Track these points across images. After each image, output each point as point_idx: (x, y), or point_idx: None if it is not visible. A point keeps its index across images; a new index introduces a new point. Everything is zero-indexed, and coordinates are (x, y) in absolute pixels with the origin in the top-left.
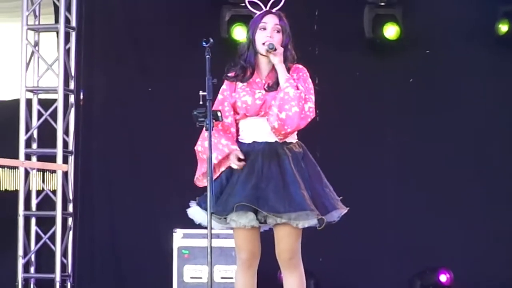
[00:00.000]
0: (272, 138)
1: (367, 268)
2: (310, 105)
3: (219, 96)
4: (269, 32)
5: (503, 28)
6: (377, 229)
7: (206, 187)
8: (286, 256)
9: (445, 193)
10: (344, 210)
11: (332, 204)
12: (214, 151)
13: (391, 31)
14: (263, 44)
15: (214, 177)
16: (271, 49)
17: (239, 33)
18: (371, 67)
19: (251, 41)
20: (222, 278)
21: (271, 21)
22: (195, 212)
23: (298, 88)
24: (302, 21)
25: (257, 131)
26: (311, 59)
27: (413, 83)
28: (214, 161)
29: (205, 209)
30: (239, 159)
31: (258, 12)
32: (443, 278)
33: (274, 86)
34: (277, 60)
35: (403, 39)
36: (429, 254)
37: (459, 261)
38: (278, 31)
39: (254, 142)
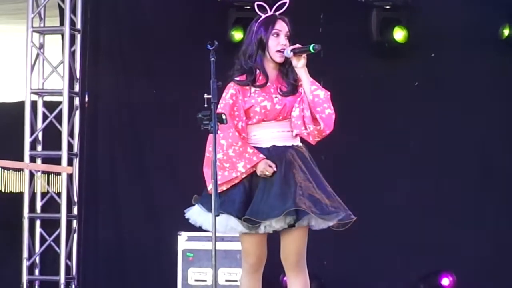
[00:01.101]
0: (290, 141)
1: (371, 271)
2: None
3: (229, 101)
4: (283, 39)
5: (506, 32)
6: (382, 232)
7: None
8: (294, 259)
9: (451, 195)
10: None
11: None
12: (241, 160)
13: (399, 34)
14: (279, 51)
15: (230, 183)
16: (314, 50)
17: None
18: (376, 70)
19: (262, 45)
20: (226, 281)
21: (283, 28)
22: (194, 213)
23: (326, 90)
24: (307, 24)
25: (275, 135)
26: (315, 62)
27: (418, 86)
28: (242, 169)
29: (236, 217)
30: (270, 167)
31: (263, 15)
32: (445, 281)
33: (289, 91)
34: (302, 63)
35: (409, 43)
36: (435, 258)
37: (466, 264)
38: (288, 38)
39: (273, 146)
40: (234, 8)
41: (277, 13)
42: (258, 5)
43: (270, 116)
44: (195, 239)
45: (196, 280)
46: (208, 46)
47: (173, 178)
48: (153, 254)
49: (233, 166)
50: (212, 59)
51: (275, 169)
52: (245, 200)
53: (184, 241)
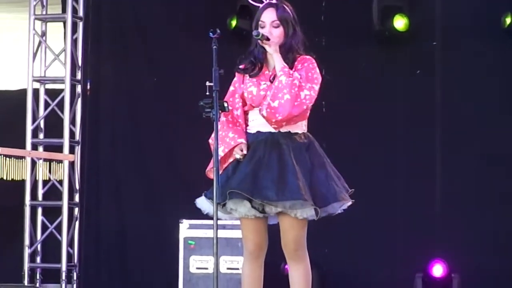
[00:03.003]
0: (275, 129)
1: (373, 260)
2: (307, 92)
3: (231, 88)
4: (267, 30)
5: (508, 21)
6: (384, 221)
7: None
8: (292, 247)
9: (451, 187)
10: (347, 202)
11: (333, 196)
12: (222, 145)
13: (400, 22)
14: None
15: (221, 169)
16: (256, 37)
17: (245, 24)
18: (378, 59)
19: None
20: (228, 268)
21: (268, 18)
22: (202, 202)
23: (291, 76)
24: (309, 12)
25: (261, 121)
26: (318, 50)
27: (420, 74)
28: (221, 153)
29: (210, 199)
30: (242, 153)
31: (260, 5)
32: (438, 270)
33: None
34: (272, 49)
35: (410, 31)
36: (435, 247)
37: (463, 256)
38: (277, 26)
39: (258, 132)
40: None
41: (273, 0)
42: None
43: (256, 101)
44: (196, 227)
45: (197, 268)
46: (211, 34)
47: (174, 166)
48: (155, 242)
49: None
50: (214, 47)
51: (244, 153)
52: (224, 182)
53: (185, 229)
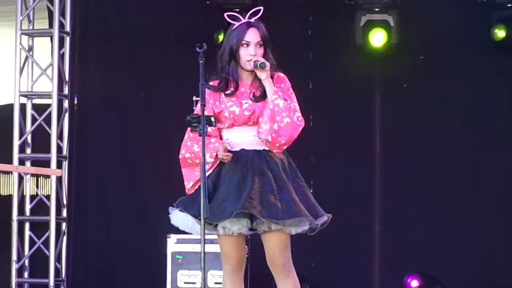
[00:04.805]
0: (259, 146)
1: (359, 273)
2: (298, 114)
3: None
4: (252, 50)
5: (500, 33)
6: (370, 234)
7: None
8: (279, 263)
9: (437, 198)
10: (326, 217)
11: (318, 211)
12: (207, 152)
13: (377, 38)
14: (248, 61)
15: (197, 183)
16: (262, 68)
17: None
18: (365, 73)
19: (233, 55)
20: (215, 283)
21: (253, 38)
22: (177, 218)
23: (286, 100)
24: (296, 26)
25: (245, 139)
26: (304, 64)
27: (407, 88)
28: (211, 159)
29: (193, 216)
30: (227, 151)
31: (236, 24)
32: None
33: (260, 96)
34: (265, 75)
35: (394, 45)
36: (421, 259)
37: (455, 267)
38: (260, 46)
39: (242, 150)
40: (224, 11)
41: (252, 19)
42: (228, 15)
43: (239, 121)
44: (184, 242)
45: (185, 283)
46: (197, 48)
47: (162, 180)
48: (143, 256)
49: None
50: (201, 61)
51: (230, 154)
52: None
53: (173, 244)
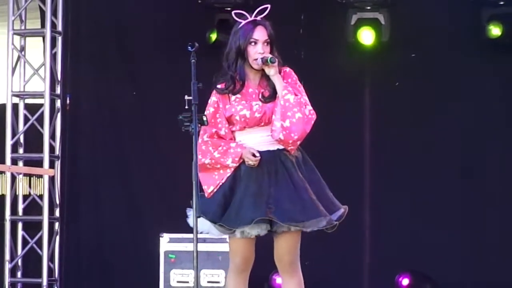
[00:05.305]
0: (273, 146)
1: (353, 271)
2: (310, 108)
3: (210, 109)
4: (260, 48)
5: (494, 31)
6: (363, 233)
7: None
8: (288, 260)
9: (429, 197)
10: (343, 209)
11: (335, 205)
12: (229, 157)
13: (368, 36)
14: (256, 60)
15: (216, 186)
16: (273, 62)
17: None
18: (357, 71)
19: (240, 53)
20: (208, 282)
21: (261, 36)
22: (203, 222)
23: (296, 95)
24: (288, 25)
25: (257, 140)
26: (296, 62)
27: (399, 86)
28: (234, 164)
29: (211, 220)
30: (254, 155)
31: (243, 22)
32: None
33: (270, 96)
34: (273, 71)
35: (385, 43)
36: (411, 258)
37: (445, 264)
38: (267, 44)
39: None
40: (216, 10)
41: (258, 17)
42: (236, 13)
43: (251, 123)
44: (177, 241)
45: (178, 282)
46: (189, 47)
47: (155, 179)
48: (135, 255)
49: (223, 165)
50: (193, 60)
51: (258, 157)
52: (223, 203)
53: (166, 243)
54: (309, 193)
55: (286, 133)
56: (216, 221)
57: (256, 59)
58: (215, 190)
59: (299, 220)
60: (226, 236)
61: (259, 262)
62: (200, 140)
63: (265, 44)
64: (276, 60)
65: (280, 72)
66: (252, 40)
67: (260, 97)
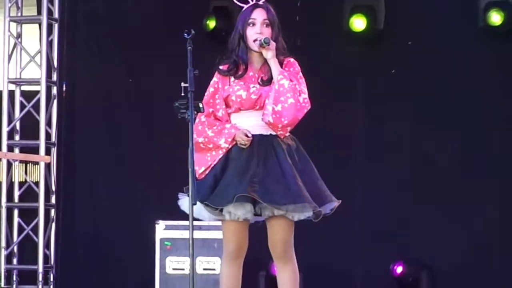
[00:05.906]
0: (266, 130)
1: (347, 260)
2: (304, 96)
3: (210, 89)
4: (258, 28)
5: (494, 17)
6: (360, 222)
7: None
8: (280, 249)
9: (425, 185)
10: (336, 203)
11: (326, 197)
12: (222, 137)
13: (363, 23)
14: (254, 41)
15: (208, 168)
16: (266, 43)
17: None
18: (353, 59)
19: (241, 36)
20: (204, 269)
21: (259, 16)
22: (186, 204)
23: (292, 80)
24: (284, 12)
25: (251, 123)
26: (292, 50)
27: (395, 74)
28: (225, 145)
29: (200, 201)
30: (247, 136)
31: (245, 6)
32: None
33: (268, 80)
34: (270, 55)
35: (381, 30)
36: (409, 246)
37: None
38: (267, 25)
39: None
40: None
41: (260, 1)
42: None
43: (246, 105)
44: (172, 228)
45: (174, 269)
46: (185, 34)
47: (150, 166)
48: (131, 243)
49: (216, 145)
50: (189, 47)
51: (250, 137)
52: (213, 184)
53: (161, 230)
54: (297, 180)
55: (276, 117)
56: (203, 201)
57: (255, 40)
58: (206, 171)
59: (281, 203)
60: (219, 223)
61: (253, 249)
62: (197, 120)
63: (264, 25)
64: (270, 41)
65: (283, 62)
66: (250, 20)
67: (259, 80)
